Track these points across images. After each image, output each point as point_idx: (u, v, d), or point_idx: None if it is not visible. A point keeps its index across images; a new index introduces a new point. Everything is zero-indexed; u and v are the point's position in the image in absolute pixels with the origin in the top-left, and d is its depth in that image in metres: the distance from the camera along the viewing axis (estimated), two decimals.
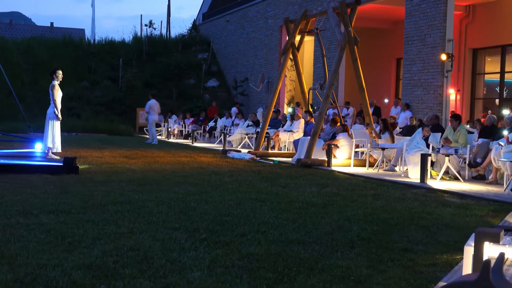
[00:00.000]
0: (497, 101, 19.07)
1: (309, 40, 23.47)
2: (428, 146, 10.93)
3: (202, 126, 24.07)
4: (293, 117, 17.44)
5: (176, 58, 32.84)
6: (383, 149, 12.10)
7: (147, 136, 20.78)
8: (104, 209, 6.32)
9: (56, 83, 11.47)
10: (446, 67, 15.97)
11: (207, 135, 23.55)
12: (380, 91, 22.99)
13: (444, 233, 5.64)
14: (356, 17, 13.85)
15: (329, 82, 13.96)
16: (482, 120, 14.38)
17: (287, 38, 16.45)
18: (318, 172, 11.47)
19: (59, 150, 11.55)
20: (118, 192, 7.55)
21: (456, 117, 11.21)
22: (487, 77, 19.76)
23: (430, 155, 10.26)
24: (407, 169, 10.98)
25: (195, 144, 20.29)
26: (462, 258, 4.12)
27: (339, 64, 14.15)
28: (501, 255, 3.12)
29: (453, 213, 6.83)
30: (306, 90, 16.36)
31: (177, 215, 6.10)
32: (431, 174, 10.39)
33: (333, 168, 12.27)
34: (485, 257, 3.50)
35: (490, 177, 10.27)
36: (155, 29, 38.29)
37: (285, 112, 23.32)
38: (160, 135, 25.76)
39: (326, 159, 12.63)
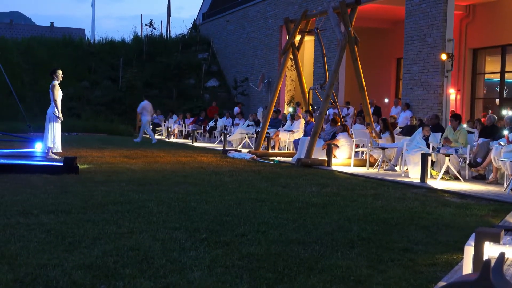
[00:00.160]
0: (497, 101, 19.07)
1: (309, 40, 23.47)
2: (428, 146, 10.92)
3: (202, 126, 24.08)
4: (293, 117, 17.44)
5: (176, 58, 32.83)
6: (383, 149, 12.10)
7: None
8: (104, 209, 6.32)
9: (56, 83, 11.47)
10: (446, 67, 15.97)
11: (207, 135, 23.56)
12: (380, 91, 22.98)
13: (444, 233, 5.64)
14: (356, 17, 13.84)
15: (329, 82, 13.96)
16: (482, 120, 14.38)
17: (287, 38, 16.45)
18: (318, 172, 11.47)
19: (59, 150, 11.55)
20: (118, 192, 7.55)
21: (456, 117, 11.21)
22: (487, 77, 19.75)
23: (430, 155, 10.26)
24: (407, 169, 10.98)
25: (195, 144, 20.29)
26: (462, 258, 4.12)
27: (339, 64, 14.15)
28: (501, 255, 3.12)
29: (453, 213, 6.83)
30: (306, 90, 16.36)
31: (177, 215, 6.10)
32: (431, 174, 10.39)
33: (333, 168, 12.27)
34: (485, 257, 3.50)
35: (490, 177, 10.26)
36: (155, 29, 38.32)
37: (285, 112, 23.32)
38: (160, 135, 25.77)
39: (326, 159, 12.63)
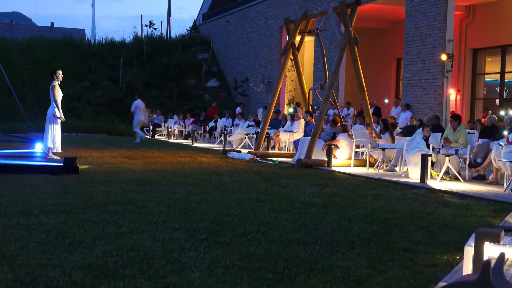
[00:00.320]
0: (497, 101, 19.07)
1: (309, 40, 23.47)
2: (428, 146, 10.93)
3: (202, 126, 24.08)
4: (294, 117, 17.45)
5: (176, 58, 32.84)
6: (383, 149, 12.10)
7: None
8: (104, 209, 6.32)
9: (56, 83, 11.47)
10: (446, 67, 15.97)
11: (207, 135, 23.56)
12: (380, 91, 22.99)
13: (444, 233, 5.64)
14: (356, 17, 13.85)
15: (329, 82, 13.96)
16: (482, 120, 14.39)
17: (287, 39, 16.45)
18: (318, 172, 11.47)
19: (60, 150, 11.54)
20: (118, 192, 7.55)
21: (455, 117, 11.20)
22: (487, 77, 19.75)
23: (430, 155, 10.26)
24: (407, 169, 10.98)
25: (195, 144, 20.29)
26: (462, 258, 4.12)
27: (339, 64, 14.15)
28: (501, 255, 3.12)
29: (453, 213, 6.83)
30: (306, 90, 16.36)
31: (177, 215, 6.10)
32: (431, 174, 10.39)
33: (333, 168, 12.27)
34: (485, 257, 3.50)
35: (490, 177, 10.27)
36: (155, 29, 38.33)
37: (285, 112, 23.32)
38: (160, 135, 25.78)
39: (326, 159, 12.63)
